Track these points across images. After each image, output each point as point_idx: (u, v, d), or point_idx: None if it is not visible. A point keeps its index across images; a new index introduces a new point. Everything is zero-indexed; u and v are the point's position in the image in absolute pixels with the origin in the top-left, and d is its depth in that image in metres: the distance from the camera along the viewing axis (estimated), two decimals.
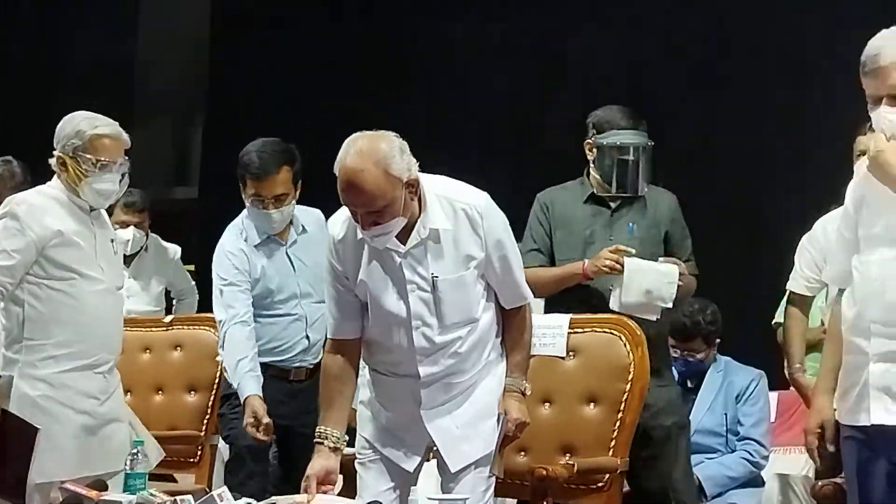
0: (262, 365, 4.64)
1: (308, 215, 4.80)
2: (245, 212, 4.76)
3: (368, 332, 3.76)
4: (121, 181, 4.34)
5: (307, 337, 4.73)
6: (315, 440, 3.69)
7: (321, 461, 3.64)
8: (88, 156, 4.28)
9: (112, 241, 4.45)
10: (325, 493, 3.60)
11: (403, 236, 3.62)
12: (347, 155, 3.49)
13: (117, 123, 4.39)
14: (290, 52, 8.20)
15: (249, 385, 4.51)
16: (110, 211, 4.91)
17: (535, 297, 4.26)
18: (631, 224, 4.63)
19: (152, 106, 8.80)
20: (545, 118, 7.42)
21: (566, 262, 4.59)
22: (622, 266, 4.40)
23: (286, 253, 4.74)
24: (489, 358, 3.78)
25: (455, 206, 3.66)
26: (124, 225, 6.16)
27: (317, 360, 4.60)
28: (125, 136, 4.38)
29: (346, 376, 3.76)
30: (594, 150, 4.63)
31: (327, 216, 3.96)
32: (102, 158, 4.28)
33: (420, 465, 3.81)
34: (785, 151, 6.86)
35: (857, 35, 3.53)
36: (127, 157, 4.37)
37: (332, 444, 3.67)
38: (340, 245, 3.71)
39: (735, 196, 6.90)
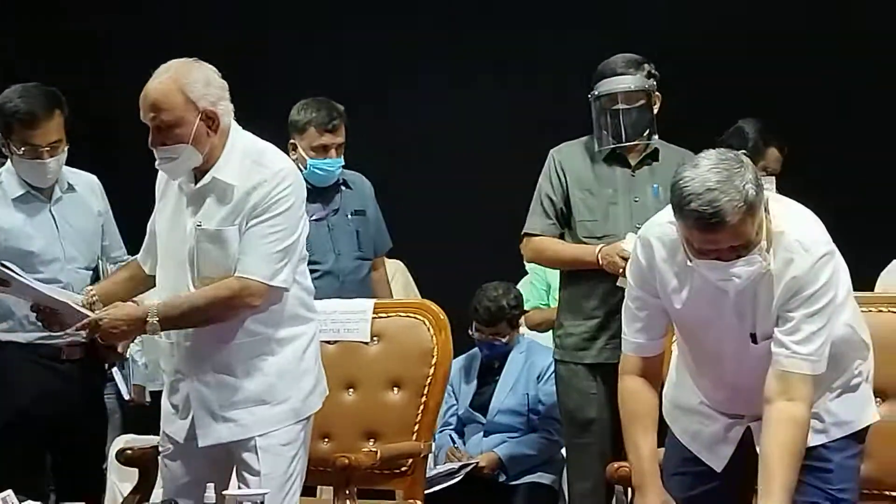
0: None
1: (79, 176, 4.41)
2: (4, 167, 4.30)
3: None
4: None
5: None
6: None
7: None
8: None
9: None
10: None
11: (199, 180, 3.58)
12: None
13: None
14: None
15: None
16: None
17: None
18: (656, 185, 4.35)
19: None
20: None
21: (586, 224, 4.37)
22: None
23: (50, 211, 4.29)
24: (253, 333, 3.55)
25: (254, 167, 3.55)
26: None
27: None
28: None
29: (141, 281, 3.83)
30: (593, 105, 4.39)
31: None
32: None
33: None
34: None
35: None
36: None
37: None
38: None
39: None
